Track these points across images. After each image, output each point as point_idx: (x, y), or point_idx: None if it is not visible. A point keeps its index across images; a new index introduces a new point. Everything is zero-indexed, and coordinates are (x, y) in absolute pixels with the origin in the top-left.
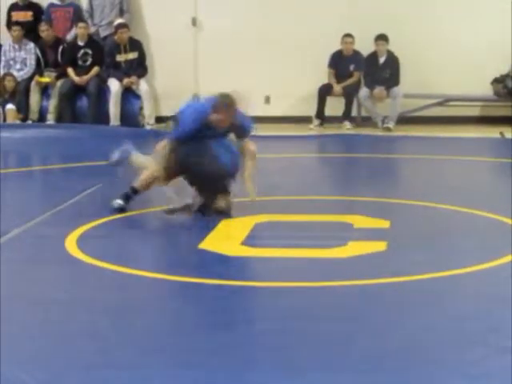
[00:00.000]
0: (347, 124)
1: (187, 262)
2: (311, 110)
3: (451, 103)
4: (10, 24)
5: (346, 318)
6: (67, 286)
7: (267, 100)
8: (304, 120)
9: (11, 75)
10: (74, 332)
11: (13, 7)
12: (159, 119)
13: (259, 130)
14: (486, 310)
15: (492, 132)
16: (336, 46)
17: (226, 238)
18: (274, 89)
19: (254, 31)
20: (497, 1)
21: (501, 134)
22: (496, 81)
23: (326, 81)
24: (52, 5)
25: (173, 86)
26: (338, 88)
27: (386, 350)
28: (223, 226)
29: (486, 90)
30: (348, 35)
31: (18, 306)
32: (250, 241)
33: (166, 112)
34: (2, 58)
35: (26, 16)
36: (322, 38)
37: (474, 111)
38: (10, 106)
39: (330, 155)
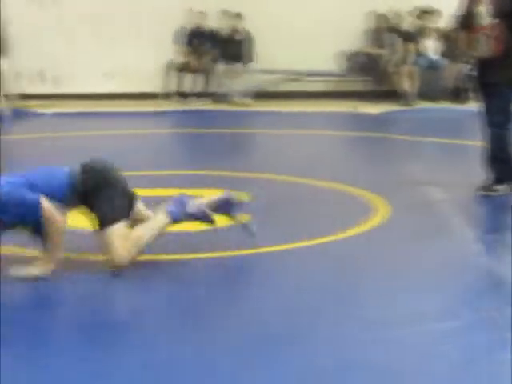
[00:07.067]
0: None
1: None
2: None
3: (307, 78)
4: None
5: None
6: None
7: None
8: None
9: None
10: None
11: None
12: None
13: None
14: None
15: (345, 106)
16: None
17: None
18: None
19: None
20: None
21: (353, 107)
22: (348, 57)
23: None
24: None
25: None
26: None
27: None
28: None
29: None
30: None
31: None
32: None
33: None
34: None
35: None
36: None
37: (329, 86)
38: None
39: (185, 130)
